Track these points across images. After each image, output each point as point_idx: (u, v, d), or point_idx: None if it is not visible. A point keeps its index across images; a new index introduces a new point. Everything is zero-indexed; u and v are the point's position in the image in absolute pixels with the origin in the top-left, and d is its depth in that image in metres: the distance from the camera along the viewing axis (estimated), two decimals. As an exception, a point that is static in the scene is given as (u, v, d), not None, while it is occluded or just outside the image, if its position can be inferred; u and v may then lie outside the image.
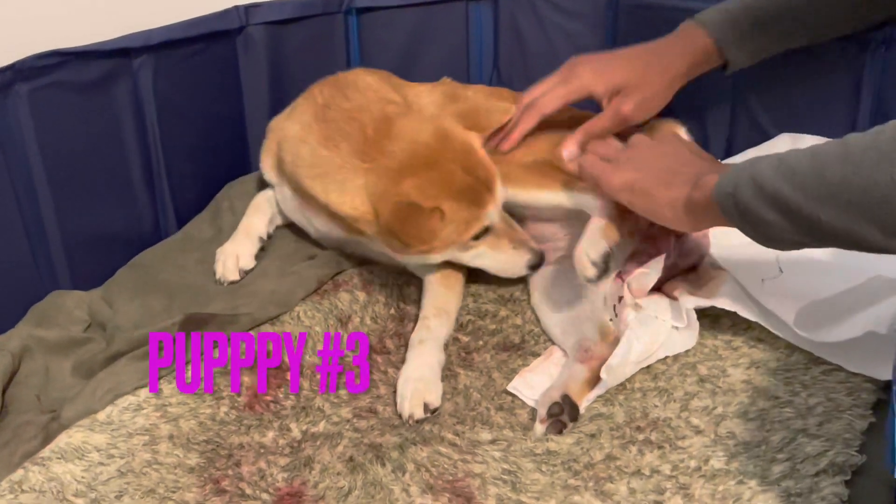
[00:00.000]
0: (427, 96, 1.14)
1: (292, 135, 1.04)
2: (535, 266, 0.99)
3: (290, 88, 1.32)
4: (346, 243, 1.09)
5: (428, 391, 0.89)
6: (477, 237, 0.95)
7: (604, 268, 0.88)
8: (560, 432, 0.84)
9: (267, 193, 1.17)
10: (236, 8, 1.22)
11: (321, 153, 0.99)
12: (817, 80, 1.14)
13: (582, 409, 0.86)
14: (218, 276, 1.07)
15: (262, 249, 1.12)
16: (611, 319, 0.94)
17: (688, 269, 0.99)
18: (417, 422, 0.87)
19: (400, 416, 0.88)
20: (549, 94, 1.00)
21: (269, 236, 1.14)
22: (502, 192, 0.97)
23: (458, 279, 1.05)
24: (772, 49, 1.02)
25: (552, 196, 0.99)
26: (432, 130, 0.96)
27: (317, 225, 1.08)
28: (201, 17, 1.18)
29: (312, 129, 1.01)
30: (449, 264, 1.03)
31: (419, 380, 0.90)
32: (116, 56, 1.09)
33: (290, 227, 1.18)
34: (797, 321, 0.85)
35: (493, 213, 0.96)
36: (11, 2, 1.01)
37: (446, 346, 0.97)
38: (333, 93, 1.05)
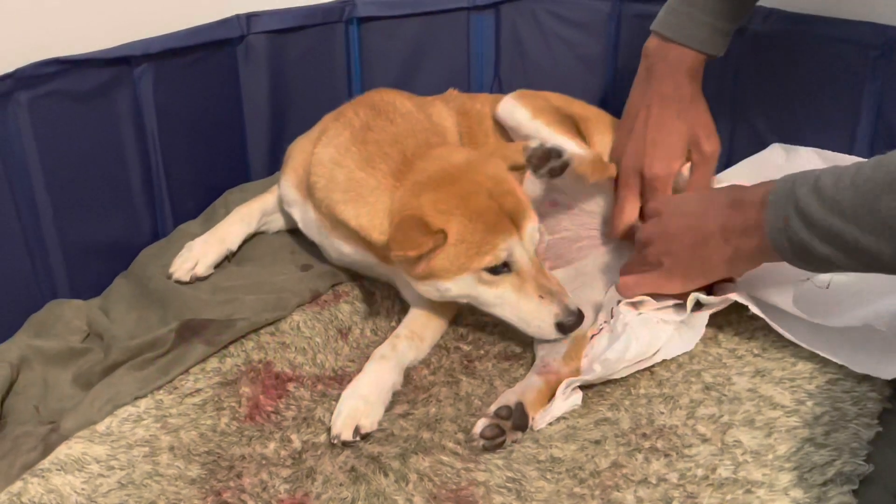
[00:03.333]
0: (448, 119, 1.10)
1: (326, 158, 0.97)
2: (566, 327, 0.88)
3: (291, 97, 1.32)
4: (370, 270, 1.06)
5: (365, 415, 0.84)
6: (496, 272, 0.88)
7: None
8: (493, 438, 0.82)
9: (264, 205, 1.15)
10: (237, 17, 1.23)
11: (357, 176, 0.94)
12: (818, 90, 1.14)
13: (543, 424, 0.85)
14: (171, 271, 1.05)
15: (227, 259, 1.10)
16: (606, 321, 0.94)
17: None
18: (344, 444, 0.83)
19: (328, 430, 0.85)
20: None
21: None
22: (533, 232, 0.90)
23: (445, 311, 1.00)
24: (739, 24, 1.01)
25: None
26: (467, 155, 0.93)
27: (344, 251, 1.01)
28: (202, 26, 1.19)
29: (350, 151, 0.96)
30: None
31: (361, 399, 0.85)
32: (117, 64, 1.09)
33: (287, 236, 1.17)
34: (797, 304, 0.85)
35: (514, 247, 0.88)
36: (11, 10, 1.00)
37: (409, 372, 0.94)
38: (372, 115, 0.99)
